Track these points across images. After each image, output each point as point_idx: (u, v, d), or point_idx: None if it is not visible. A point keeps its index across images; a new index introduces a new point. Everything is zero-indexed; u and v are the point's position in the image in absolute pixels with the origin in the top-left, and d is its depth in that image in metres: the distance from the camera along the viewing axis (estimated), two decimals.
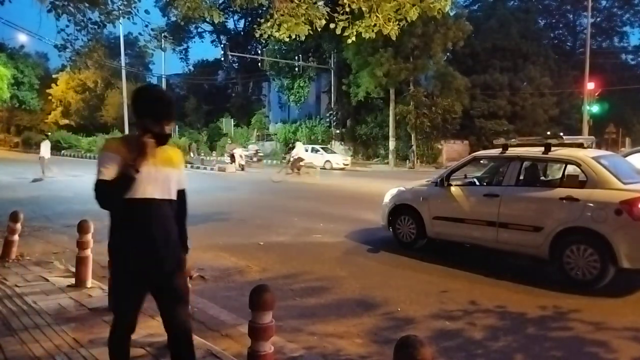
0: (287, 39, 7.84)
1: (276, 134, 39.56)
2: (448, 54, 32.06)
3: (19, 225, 6.20)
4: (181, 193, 2.66)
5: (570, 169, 6.15)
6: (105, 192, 2.39)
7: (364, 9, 7.08)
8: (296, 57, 34.70)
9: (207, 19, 12.55)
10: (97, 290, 4.94)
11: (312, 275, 6.16)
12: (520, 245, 6.16)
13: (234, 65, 45.54)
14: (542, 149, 6.29)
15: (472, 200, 6.77)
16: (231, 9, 38.57)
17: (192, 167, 26.40)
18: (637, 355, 3.95)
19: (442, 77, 30.16)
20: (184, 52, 48.75)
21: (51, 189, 15.23)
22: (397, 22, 7.22)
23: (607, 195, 5.47)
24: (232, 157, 25.93)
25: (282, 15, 7.34)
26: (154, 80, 52.14)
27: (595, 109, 28.13)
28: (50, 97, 47.01)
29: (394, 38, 7.36)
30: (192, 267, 2.79)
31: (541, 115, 33.87)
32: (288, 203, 12.97)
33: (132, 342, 2.73)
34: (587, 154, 6.02)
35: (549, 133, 13.66)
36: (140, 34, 10.82)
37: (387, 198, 7.94)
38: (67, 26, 8.07)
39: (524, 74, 34.51)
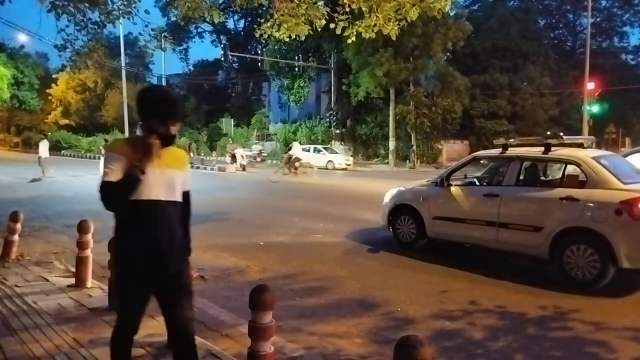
0: (287, 39, 7.84)
1: (276, 134, 39.56)
2: (448, 54, 32.06)
3: (19, 225, 6.21)
4: (186, 195, 2.64)
5: (570, 169, 6.16)
6: (110, 193, 2.38)
7: (364, 9, 7.08)
8: (296, 57, 34.69)
9: (207, 19, 12.55)
10: (97, 290, 4.94)
11: (312, 275, 6.16)
12: (520, 245, 6.16)
13: (234, 65, 45.53)
14: (542, 149, 6.29)
15: (472, 200, 6.77)
16: (231, 9, 38.57)
17: (192, 167, 26.33)
18: (637, 355, 3.95)
19: (442, 77, 30.16)
20: (184, 52, 48.81)
21: (51, 189, 15.24)
22: (397, 22, 7.22)
23: (607, 195, 5.47)
24: (234, 157, 25.91)
25: (282, 15, 7.34)
26: (154, 80, 52.23)
27: (595, 109, 28.12)
28: (50, 97, 47.01)
29: (394, 38, 7.36)
30: (192, 267, 2.78)
31: (541, 115, 33.86)
32: (288, 203, 12.97)
33: (113, 328, 2.74)
34: (587, 154, 6.02)
35: (549, 133, 13.66)
36: (140, 34, 10.84)
37: (387, 198, 7.94)
38: (67, 26, 8.08)
39: (524, 74, 34.51)
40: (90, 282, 5.10)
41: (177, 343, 2.62)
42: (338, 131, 35.65)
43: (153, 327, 3.75)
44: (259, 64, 36.97)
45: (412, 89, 30.18)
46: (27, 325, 3.99)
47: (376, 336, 4.24)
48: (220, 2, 30.84)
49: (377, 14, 7.07)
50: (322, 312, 4.82)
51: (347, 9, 7.10)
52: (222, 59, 37.94)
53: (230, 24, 46.89)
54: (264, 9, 9.55)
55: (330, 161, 28.10)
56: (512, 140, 7.17)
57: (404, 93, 30.72)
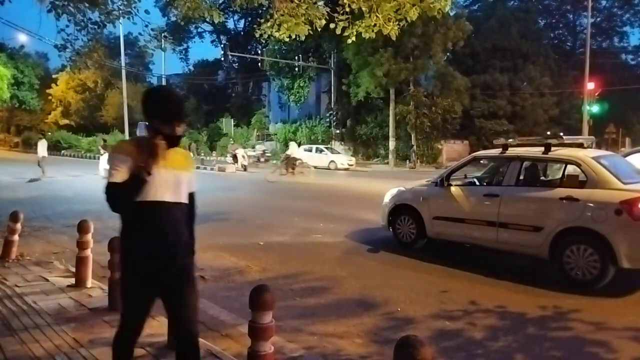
0: (287, 39, 7.84)
1: (276, 134, 39.57)
2: (448, 54, 32.05)
3: (19, 225, 6.21)
4: (191, 196, 2.63)
5: (570, 169, 6.16)
6: (116, 194, 2.36)
7: (364, 9, 7.08)
8: (296, 57, 34.69)
9: (207, 19, 12.55)
10: (97, 290, 4.94)
11: (312, 275, 6.16)
12: (520, 245, 6.16)
13: (234, 65, 45.53)
14: (542, 149, 6.29)
15: (472, 200, 6.78)
16: (231, 9, 38.56)
17: None
18: (637, 355, 3.95)
19: (442, 77, 30.16)
20: (184, 52, 48.83)
21: (51, 189, 15.23)
22: (397, 22, 7.22)
23: (607, 195, 5.47)
24: (235, 157, 25.88)
25: (282, 15, 7.34)
26: (154, 80, 52.25)
27: (595, 109, 28.12)
28: (50, 97, 47.00)
29: (394, 38, 7.36)
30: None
31: (541, 115, 33.87)
32: (288, 203, 12.97)
33: (116, 331, 2.72)
34: (587, 154, 6.02)
35: (549, 133, 13.67)
36: (140, 34, 10.83)
37: (387, 198, 7.94)
38: (67, 26, 8.07)
39: (524, 74, 34.51)
40: (90, 282, 5.10)
41: (181, 344, 2.61)
42: (338, 131, 35.65)
43: (153, 327, 3.75)
44: (259, 64, 36.97)
45: (412, 89, 30.17)
46: (27, 325, 3.99)
47: (376, 336, 4.24)
48: (220, 2, 30.85)
49: (377, 14, 7.07)
50: (322, 312, 4.82)
51: (347, 9, 7.10)
52: (222, 59, 37.92)
53: (230, 24, 46.98)
54: (264, 9, 9.55)
55: (332, 161, 28.04)
56: (512, 140, 7.17)
57: (404, 93, 30.71)
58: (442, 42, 27.99)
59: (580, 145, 6.39)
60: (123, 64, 35.66)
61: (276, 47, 34.90)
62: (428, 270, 6.46)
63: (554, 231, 5.75)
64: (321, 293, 5.43)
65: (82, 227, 5.08)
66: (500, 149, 6.76)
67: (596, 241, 5.45)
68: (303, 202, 13.03)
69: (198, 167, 26.42)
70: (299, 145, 33.66)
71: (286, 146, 33.87)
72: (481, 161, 8.55)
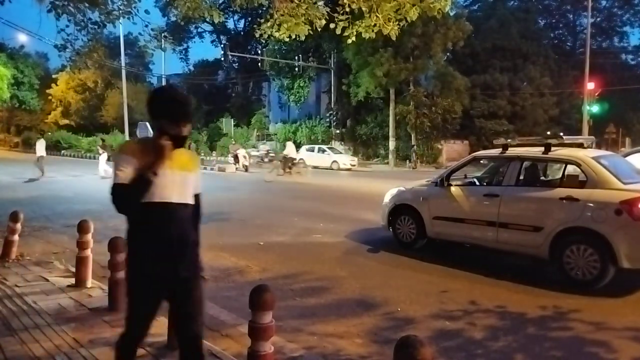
0: (287, 39, 7.84)
1: (276, 134, 39.57)
2: (448, 54, 32.05)
3: (19, 225, 6.21)
4: (197, 197, 2.61)
5: (570, 169, 6.16)
6: (122, 195, 2.33)
7: (364, 9, 7.08)
8: (296, 57, 34.68)
9: (207, 19, 12.54)
10: (97, 290, 4.94)
11: (312, 275, 6.16)
12: (520, 245, 6.16)
13: (234, 65, 45.52)
14: (542, 149, 6.29)
15: (472, 200, 6.78)
16: (231, 9, 38.55)
17: None
18: (637, 355, 3.95)
19: (442, 77, 30.16)
20: (184, 52, 48.78)
21: (51, 189, 15.23)
22: (397, 22, 7.22)
23: (607, 195, 5.47)
24: (236, 157, 25.85)
25: (282, 15, 7.34)
26: (154, 80, 52.25)
27: (595, 109, 28.12)
28: (50, 97, 46.96)
29: (394, 38, 7.36)
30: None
31: (541, 115, 33.87)
32: (288, 203, 12.97)
33: (121, 334, 2.70)
34: (587, 154, 6.02)
35: (549, 133, 13.65)
36: (140, 34, 10.83)
37: (387, 198, 7.95)
38: (67, 26, 8.07)
39: (524, 74, 34.51)
40: (90, 282, 5.10)
41: (185, 347, 2.58)
42: (338, 131, 35.65)
43: (153, 327, 3.74)
44: (259, 64, 36.95)
45: (412, 89, 30.18)
46: (27, 325, 3.99)
47: (376, 336, 4.24)
48: (220, 2, 30.83)
49: (377, 14, 7.07)
50: (322, 312, 4.82)
51: (347, 9, 7.10)
52: (222, 59, 37.92)
53: (230, 24, 46.95)
54: (264, 9, 9.55)
55: (335, 161, 27.95)
56: (510, 140, 7.16)
57: (404, 93, 30.72)
58: (442, 42, 27.99)
59: (580, 145, 6.39)
60: (123, 64, 35.66)
61: (276, 47, 34.89)
62: (428, 270, 6.46)
63: (554, 231, 5.75)
64: (321, 293, 5.43)
65: (82, 227, 5.08)
66: (500, 149, 6.76)
67: (596, 241, 5.45)
68: (303, 202, 13.03)
69: None
70: (299, 145, 33.71)
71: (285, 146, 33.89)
72: (481, 161, 8.55)
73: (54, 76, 46.87)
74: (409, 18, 7.10)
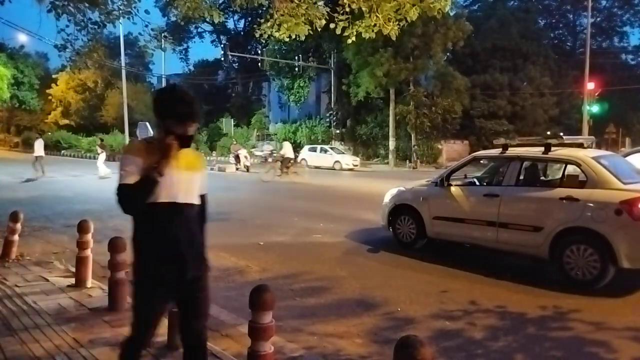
0: (287, 39, 7.84)
1: (276, 134, 39.56)
2: (448, 54, 32.07)
3: (19, 225, 6.20)
4: (203, 198, 2.59)
5: (570, 169, 6.16)
6: (128, 196, 2.31)
7: (364, 9, 7.08)
8: (296, 57, 34.68)
9: (207, 19, 12.54)
10: (97, 290, 4.94)
11: (312, 275, 6.16)
12: (520, 245, 6.16)
13: (234, 65, 45.52)
14: (542, 149, 6.29)
15: (472, 200, 6.77)
16: (231, 9, 38.54)
17: None
18: (637, 355, 3.95)
19: (442, 77, 30.18)
20: (184, 52, 48.79)
21: (51, 189, 15.23)
22: (397, 22, 7.22)
23: (607, 195, 5.47)
24: (237, 157, 25.81)
25: (282, 15, 7.34)
26: (154, 80, 52.27)
27: (595, 109, 28.13)
28: (50, 97, 46.96)
29: (394, 38, 7.36)
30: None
31: (541, 115, 33.88)
32: (288, 203, 12.98)
33: (126, 337, 2.69)
34: (587, 154, 6.02)
35: (549, 133, 13.67)
36: (140, 34, 10.83)
37: (387, 198, 7.94)
38: (67, 26, 8.07)
39: (524, 74, 34.53)
40: (90, 282, 5.10)
41: (190, 347, 2.57)
42: (338, 131, 35.66)
43: None
44: (259, 64, 36.96)
45: (412, 89, 30.19)
46: (27, 325, 3.99)
47: (376, 336, 4.24)
48: (220, 2, 30.82)
49: (377, 14, 7.07)
50: (322, 312, 4.82)
51: (347, 9, 7.10)
52: (222, 59, 37.90)
53: (230, 24, 46.95)
54: (264, 9, 9.54)
55: (337, 161, 27.90)
56: (510, 140, 7.16)
57: (404, 93, 30.73)
58: (442, 42, 28.01)
59: (580, 145, 6.39)
60: (123, 64, 35.65)
61: (276, 47, 34.90)
62: (428, 270, 6.46)
63: (554, 231, 5.75)
64: (321, 293, 5.43)
65: (82, 227, 5.08)
66: (500, 149, 6.76)
67: (596, 241, 5.45)
68: (303, 202, 13.03)
69: None
70: (300, 145, 33.70)
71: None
72: (481, 161, 8.55)
73: (54, 76, 46.88)
74: (409, 18, 7.10)
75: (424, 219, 7.20)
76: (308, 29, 7.46)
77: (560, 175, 6.42)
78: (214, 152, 36.47)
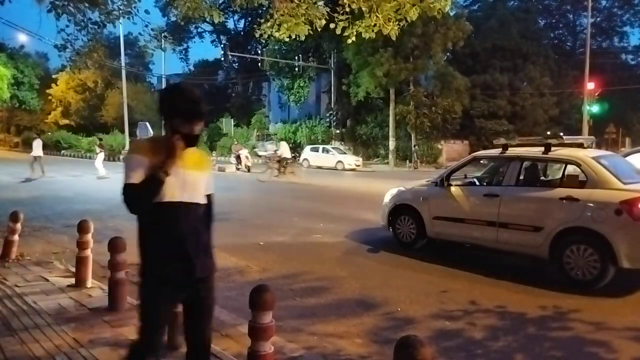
0: (287, 39, 7.84)
1: (276, 134, 39.56)
2: (448, 54, 32.08)
3: (19, 225, 6.20)
4: (209, 198, 2.56)
5: (570, 169, 6.16)
6: (134, 196, 2.28)
7: (364, 9, 7.08)
8: (296, 57, 34.68)
9: (207, 19, 12.54)
10: (97, 290, 4.94)
11: (312, 275, 6.16)
12: (520, 245, 6.16)
13: (234, 65, 45.52)
14: (542, 149, 6.29)
15: (472, 200, 6.78)
16: (231, 9, 38.53)
17: None
18: (637, 355, 3.95)
19: (442, 77, 30.17)
20: (184, 52, 48.79)
21: (51, 189, 15.23)
22: (397, 22, 7.22)
23: (607, 195, 5.47)
24: (238, 157, 25.80)
25: (282, 15, 7.34)
26: (154, 80, 52.28)
27: (595, 109, 28.14)
28: (50, 97, 46.97)
29: (394, 38, 7.36)
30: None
31: (541, 115, 33.89)
32: (288, 203, 12.98)
33: (132, 342, 2.67)
34: (587, 154, 6.02)
35: (549, 133, 13.67)
36: (140, 34, 10.82)
37: (387, 198, 7.94)
38: (67, 26, 8.07)
39: (524, 74, 34.53)
40: (90, 282, 5.10)
41: (194, 347, 2.55)
42: (338, 131, 35.65)
43: None
44: (259, 64, 36.96)
45: (412, 89, 30.19)
46: (27, 325, 3.99)
47: (376, 336, 4.24)
48: (220, 2, 30.81)
49: (377, 14, 7.07)
50: (322, 312, 4.82)
51: (347, 9, 7.10)
52: (222, 59, 37.89)
53: (230, 24, 46.95)
54: (264, 9, 9.55)
55: (339, 162, 27.85)
56: (510, 140, 7.16)
57: (404, 93, 30.73)
58: (442, 42, 28.01)
59: (580, 145, 6.39)
60: (123, 64, 35.66)
61: (276, 47, 34.90)
62: (428, 270, 6.46)
63: (554, 231, 5.75)
64: (321, 293, 5.43)
65: (82, 227, 5.08)
66: (500, 149, 6.76)
67: (596, 241, 5.45)
68: (303, 202, 13.03)
69: None
70: (300, 145, 33.69)
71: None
72: (481, 161, 8.55)
73: (54, 76, 46.89)
74: (409, 18, 7.10)
75: (424, 219, 7.20)
76: (308, 29, 7.46)
77: (560, 175, 6.42)
78: (214, 152, 36.47)
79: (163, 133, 2.48)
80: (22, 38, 40.86)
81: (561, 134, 7.70)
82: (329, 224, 9.52)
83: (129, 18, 8.16)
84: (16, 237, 6.19)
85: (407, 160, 30.79)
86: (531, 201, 6.17)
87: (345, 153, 29.86)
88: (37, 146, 19.08)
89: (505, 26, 35.61)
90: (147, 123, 31.78)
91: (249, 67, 42.72)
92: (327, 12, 7.49)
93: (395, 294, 5.35)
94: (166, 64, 40.51)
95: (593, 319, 4.62)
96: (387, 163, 31.43)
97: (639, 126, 37.77)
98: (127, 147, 34.66)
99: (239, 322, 4.19)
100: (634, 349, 4.03)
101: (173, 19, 36.65)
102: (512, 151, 6.62)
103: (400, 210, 7.57)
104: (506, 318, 4.69)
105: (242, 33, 45.92)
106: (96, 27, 8.30)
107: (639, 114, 38.14)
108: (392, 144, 31.16)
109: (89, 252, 5.09)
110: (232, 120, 40.21)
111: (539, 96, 34.06)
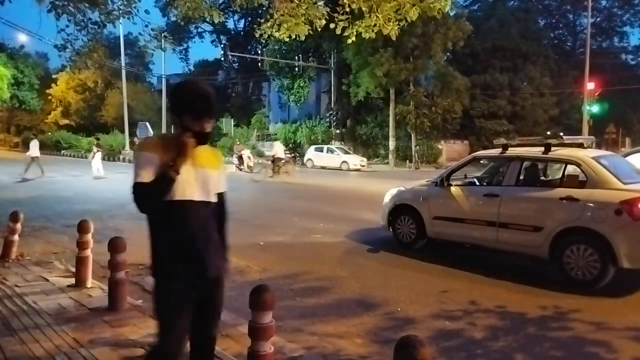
0: (287, 39, 7.83)
1: (276, 134, 39.55)
2: (448, 54, 32.08)
3: (19, 225, 6.20)
4: (221, 196, 2.54)
5: (570, 169, 6.16)
6: (144, 195, 2.24)
7: (364, 9, 7.07)
8: (296, 57, 34.67)
9: (207, 19, 12.54)
10: (97, 290, 4.93)
11: (312, 275, 6.16)
12: (520, 245, 6.16)
13: (234, 65, 45.51)
14: (542, 149, 6.29)
15: (472, 200, 6.78)
16: (231, 9, 38.52)
17: None
18: (637, 355, 3.95)
19: (442, 77, 30.18)
20: (184, 52, 48.82)
21: (51, 189, 15.22)
22: (397, 22, 7.21)
23: (607, 195, 5.47)
24: (240, 158, 25.80)
25: (282, 15, 7.33)
26: (154, 80, 52.26)
27: (595, 109, 28.14)
28: (50, 97, 46.96)
29: (394, 38, 7.35)
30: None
31: (541, 115, 33.90)
32: (287, 203, 12.97)
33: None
34: (587, 154, 6.02)
35: (549, 133, 13.67)
36: (140, 34, 10.81)
37: (387, 198, 7.94)
38: (67, 26, 8.06)
39: (524, 74, 34.54)
40: (90, 282, 5.10)
41: (199, 347, 2.53)
42: (338, 131, 35.64)
43: (153, 327, 3.74)
44: (259, 64, 36.94)
45: (412, 89, 30.19)
46: (27, 325, 3.99)
47: (376, 336, 4.24)
48: (220, 2, 30.80)
49: (377, 14, 7.06)
50: (322, 312, 4.82)
51: (347, 9, 7.09)
52: (222, 59, 37.90)
53: (230, 24, 46.95)
54: (264, 9, 9.54)
55: (344, 162, 27.81)
56: (510, 140, 7.16)
57: (404, 93, 30.73)
58: (442, 42, 28.01)
59: (580, 145, 6.39)
60: (123, 64, 35.68)
61: (276, 47, 34.89)
62: (428, 270, 6.46)
63: (554, 231, 5.75)
64: (321, 293, 5.43)
65: (82, 227, 5.08)
66: (500, 149, 6.76)
67: (596, 241, 5.45)
68: (303, 202, 13.03)
69: None
70: (300, 145, 33.68)
71: (286, 146, 33.78)
72: (481, 161, 8.54)
73: (54, 76, 46.89)
74: (409, 18, 7.10)
75: (424, 219, 7.20)
76: (308, 29, 7.45)
77: (560, 175, 6.42)
78: None
79: (163, 133, 2.48)
80: (22, 38, 40.93)
81: (561, 134, 7.71)
82: (329, 224, 9.52)
83: (129, 18, 8.16)
84: (16, 237, 6.19)
85: (407, 160, 30.79)
86: (531, 201, 6.17)
87: (349, 153, 29.82)
88: (34, 146, 19.08)
89: (505, 26, 35.62)
90: (147, 123, 31.79)
91: (249, 67, 42.71)
92: (327, 12, 7.48)
93: (395, 294, 5.35)
94: (166, 64, 40.43)
95: (593, 319, 4.62)
96: (387, 163, 31.43)
97: (639, 126, 37.78)
98: (127, 147, 34.74)
99: (239, 322, 4.19)
100: (634, 349, 4.03)
101: (173, 19, 36.65)
102: (512, 151, 6.62)
103: (400, 210, 7.57)
104: (506, 318, 4.69)
105: (242, 33, 45.93)
106: (96, 27, 8.29)
107: (639, 114, 38.15)
108: (392, 144, 31.15)
109: (89, 252, 5.09)
110: (232, 120, 40.20)
111: (539, 96, 34.07)
